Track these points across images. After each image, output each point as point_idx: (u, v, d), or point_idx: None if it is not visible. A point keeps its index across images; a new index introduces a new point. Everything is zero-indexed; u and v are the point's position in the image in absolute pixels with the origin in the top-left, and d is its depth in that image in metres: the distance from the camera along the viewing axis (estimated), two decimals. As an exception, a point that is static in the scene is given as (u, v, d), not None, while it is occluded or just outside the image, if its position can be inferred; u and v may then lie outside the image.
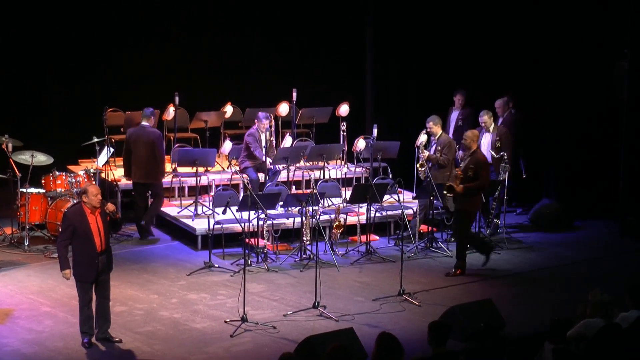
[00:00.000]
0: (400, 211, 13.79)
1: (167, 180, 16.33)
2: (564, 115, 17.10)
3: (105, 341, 10.96)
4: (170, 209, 15.88)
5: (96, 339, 10.95)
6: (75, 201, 14.46)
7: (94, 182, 14.70)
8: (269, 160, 15.35)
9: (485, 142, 15.51)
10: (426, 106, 17.25)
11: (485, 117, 15.53)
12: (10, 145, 14.79)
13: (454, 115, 17.13)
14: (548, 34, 17.16)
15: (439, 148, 14.81)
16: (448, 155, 14.81)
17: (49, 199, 15.03)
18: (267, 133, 15.72)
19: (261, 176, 15.62)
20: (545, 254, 14.98)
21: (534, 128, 17.27)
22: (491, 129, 15.51)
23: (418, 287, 12.89)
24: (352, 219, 15.00)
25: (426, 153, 14.77)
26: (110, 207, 10.96)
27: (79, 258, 10.82)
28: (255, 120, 15.65)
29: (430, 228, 14.95)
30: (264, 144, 15.57)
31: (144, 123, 15.17)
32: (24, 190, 14.78)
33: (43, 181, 15.24)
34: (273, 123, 16.13)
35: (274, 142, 16.07)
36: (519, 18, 17.67)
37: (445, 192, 13.55)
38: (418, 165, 14.82)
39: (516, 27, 17.68)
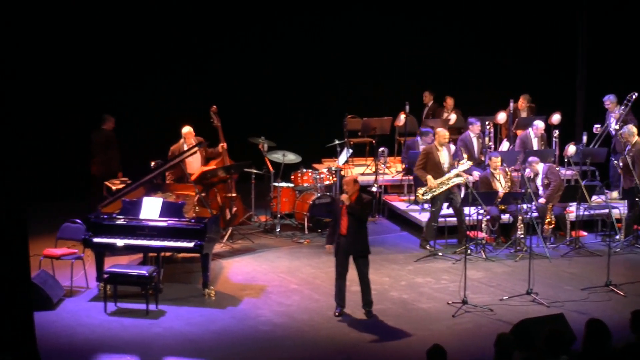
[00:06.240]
0: (607, 210, 13.65)
1: (397, 177, 16.73)
2: None
3: (366, 314, 11.35)
4: (400, 203, 16.14)
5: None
6: (319, 194, 15.21)
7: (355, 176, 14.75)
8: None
9: None
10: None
11: None
12: (265, 145, 15.40)
13: None
14: None
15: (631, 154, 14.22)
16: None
17: (297, 192, 15.54)
18: (487, 138, 15.88)
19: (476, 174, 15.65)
20: None
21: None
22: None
23: (623, 279, 12.55)
24: (563, 217, 14.87)
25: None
26: (342, 197, 11.22)
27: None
28: (469, 125, 15.95)
29: (636, 227, 14.69)
30: (475, 147, 15.77)
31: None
32: (277, 184, 15.35)
33: (292, 177, 15.74)
34: (492, 130, 16.23)
35: (493, 146, 16.19)
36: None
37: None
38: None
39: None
